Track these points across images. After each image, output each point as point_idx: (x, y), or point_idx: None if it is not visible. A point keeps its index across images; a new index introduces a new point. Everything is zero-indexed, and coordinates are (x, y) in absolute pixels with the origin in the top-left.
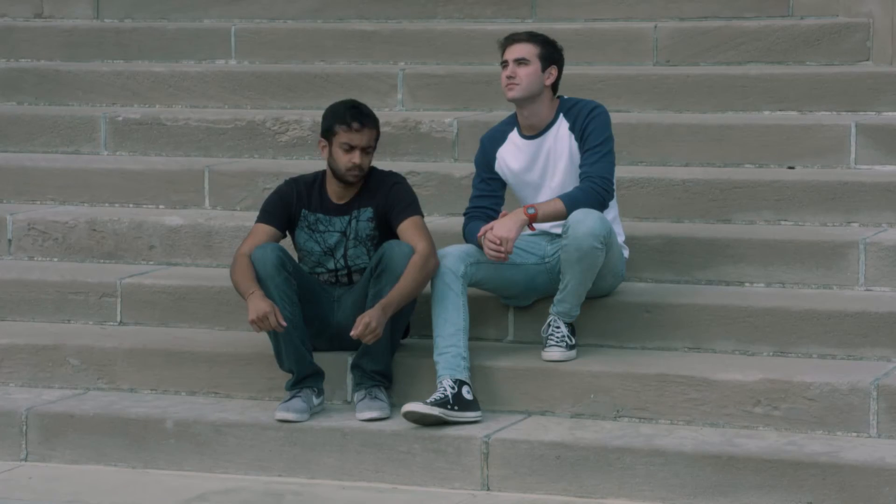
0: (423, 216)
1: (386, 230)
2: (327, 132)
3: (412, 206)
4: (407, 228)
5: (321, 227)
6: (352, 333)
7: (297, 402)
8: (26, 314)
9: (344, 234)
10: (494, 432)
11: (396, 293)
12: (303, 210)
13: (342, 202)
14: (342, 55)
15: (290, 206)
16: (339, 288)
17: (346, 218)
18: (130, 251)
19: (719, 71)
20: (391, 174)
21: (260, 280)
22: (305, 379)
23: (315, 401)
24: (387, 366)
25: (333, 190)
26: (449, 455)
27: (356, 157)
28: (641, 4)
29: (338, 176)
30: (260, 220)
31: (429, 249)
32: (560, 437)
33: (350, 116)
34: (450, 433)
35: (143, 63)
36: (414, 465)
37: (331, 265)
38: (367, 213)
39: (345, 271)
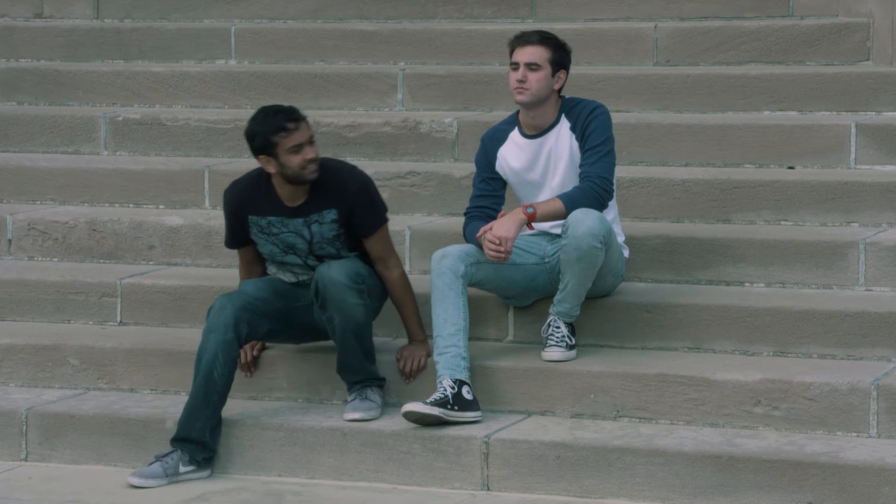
0: (387, 220)
1: (351, 227)
2: (266, 147)
3: (379, 215)
4: (375, 245)
5: (274, 230)
6: (407, 379)
7: (156, 468)
8: (26, 314)
9: (301, 236)
10: (494, 432)
11: (412, 318)
12: (249, 216)
13: (296, 204)
14: (342, 55)
15: (239, 218)
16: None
17: (302, 220)
18: (130, 251)
19: (719, 71)
20: (347, 172)
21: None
22: (185, 442)
23: (181, 468)
24: (367, 372)
25: (285, 194)
26: (449, 455)
27: (309, 153)
28: (641, 4)
29: (295, 180)
30: (230, 245)
31: (399, 264)
32: (560, 437)
33: (283, 120)
34: (450, 433)
35: (143, 63)
36: (414, 465)
37: (299, 261)
38: (331, 214)
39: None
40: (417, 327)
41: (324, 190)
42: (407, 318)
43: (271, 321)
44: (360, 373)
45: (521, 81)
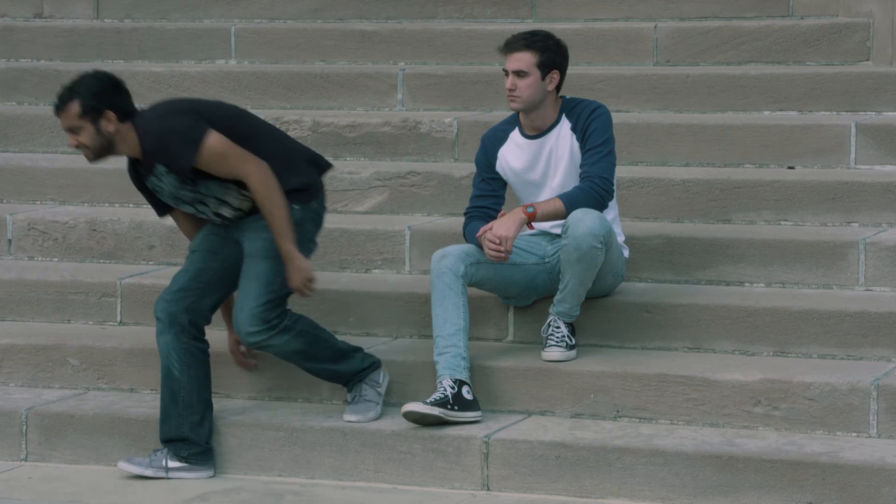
0: (206, 135)
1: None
2: None
3: (184, 158)
4: (214, 169)
5: (157, 189)
6: (300, 294)
7: (144, 459)
8: (26, 314)
9: (166, 188)
10: (494, 432)
11: (275, 228)
12: (144, 182)
13: (141, 164)
14: (342, 55)
15: (145, 189)
16: (234, 229)
17: (154, 177)
18: (130, 251)
19: (719, 71)
20: (145, 132)
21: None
22: (166, 442)
23: (170, 464)
24: (348, 374)
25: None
26: (449, 455)
27: (70, 141)
28: (641, 4)
29: None
30: (160, 215)
31: (251, 171)
32: (560, 437)
33: (55, 101)
34: (450, 433)
35: (143, 63)
36: (414, 465)
37: (192, 209)
38: (161, 168)
39: (209, 213)
40: (282, 238)
41: (143, 150)
42: (272, 229)
43: (215, 291)
44: (342, 377)
45: (511, 90)
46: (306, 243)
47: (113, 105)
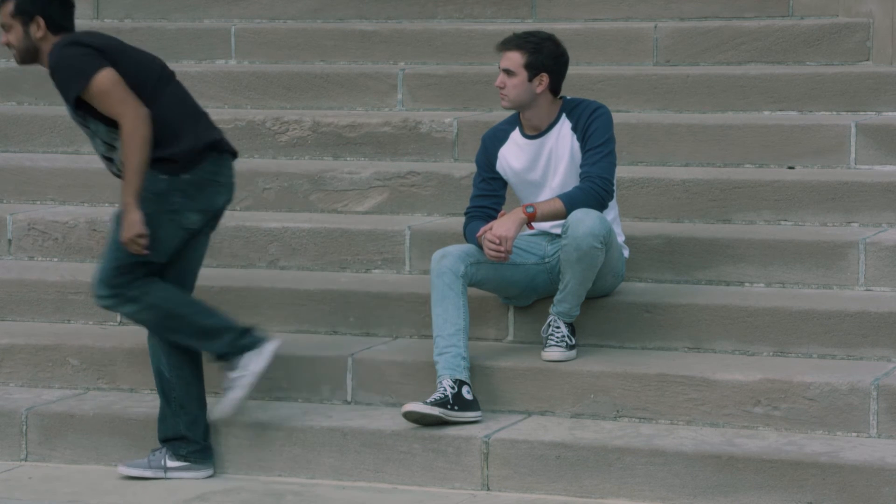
0: (97, 71)
1: (84, 107)
2: None
3: (68, 87)
4: (98, 105)
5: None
6: (128, 248)
7: (143, 461)
8: (26, 314)
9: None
10: (494, 432)
11: (126, 170)
12: None
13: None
14: (342, 55)
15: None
16: None
17: (65, 108)
18: None
19: (719, 71)
20: (49, 55)
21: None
22: (164, 442)
23: (169, 463)
24: (205, 350)
25: None
26: (449, 455)
27: (2, 38)
28: (641, 4)
29: None
30: None
31: (128, 116)
32: (560, 437)
33: None
34: (450, 433)
35: None
36: (414, 465)
37: (92, 144)
38: (62, 97)
39: (100, 152)
40: (126, 187)
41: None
42: (123, 173)
43: (169, 280)
44: (212, 355)
45: (499, 87)
46: (169, 213)
47: (46, 13)
